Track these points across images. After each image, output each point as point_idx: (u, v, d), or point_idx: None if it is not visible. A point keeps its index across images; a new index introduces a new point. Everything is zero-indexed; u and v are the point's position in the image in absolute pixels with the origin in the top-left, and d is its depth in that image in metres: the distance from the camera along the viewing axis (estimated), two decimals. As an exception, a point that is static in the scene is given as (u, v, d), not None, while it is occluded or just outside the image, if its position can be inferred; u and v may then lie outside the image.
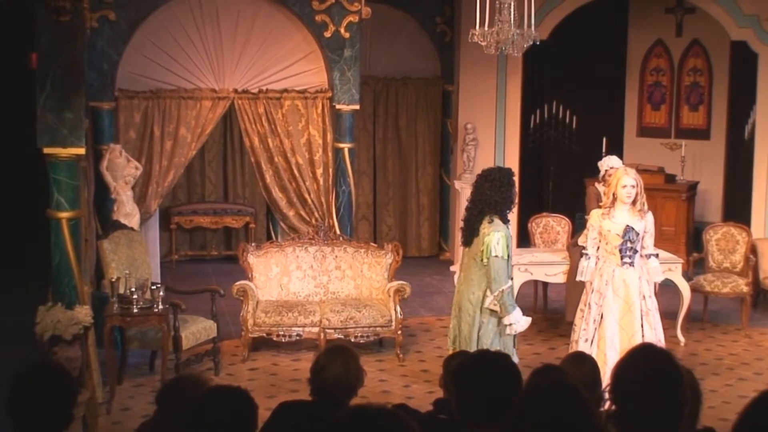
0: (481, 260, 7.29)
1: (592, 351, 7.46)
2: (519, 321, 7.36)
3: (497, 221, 7.27)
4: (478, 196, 7.34)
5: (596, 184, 9.65)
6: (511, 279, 7.46)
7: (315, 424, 4.18)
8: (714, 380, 8.57)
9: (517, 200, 7.50)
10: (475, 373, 3.57)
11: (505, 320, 7.30)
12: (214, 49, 10.46)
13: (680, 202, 12.75)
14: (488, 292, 7.30)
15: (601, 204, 8.04)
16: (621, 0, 13.96)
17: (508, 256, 7.27)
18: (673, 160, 13.32)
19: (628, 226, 7.56)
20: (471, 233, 7.39)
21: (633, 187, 7.54)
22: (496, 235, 7.19)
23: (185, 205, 13.32)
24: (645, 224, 7.62)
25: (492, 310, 7.32)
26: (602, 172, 9.37)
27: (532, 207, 12.80)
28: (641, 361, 3.26)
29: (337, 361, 4.36)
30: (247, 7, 10.37)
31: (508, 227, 7.38)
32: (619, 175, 7.65)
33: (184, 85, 10.44)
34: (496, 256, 7.19)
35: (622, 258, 7.61)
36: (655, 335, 7.63)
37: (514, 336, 7.52)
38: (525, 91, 12.92)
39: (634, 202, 7.58)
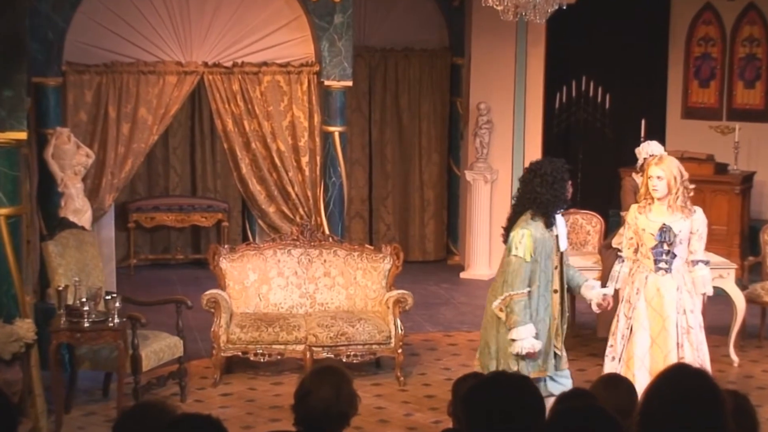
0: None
1: (620, 371, 7.47)
2: (524, 339, 7.29)
3: (533, 220, 7.29)
4: (526, 194, 7.37)
5: (633, 175, 9.65)
6: (556, 292, 7.42)
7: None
8: (773, 407, 8.57)
9: (569, 198, 7.54)
10: (489, 399, 3.56)
11: (510, 333, 7.31)
12: (179, 14, 10.44)
13: (733, 196, 12.75)
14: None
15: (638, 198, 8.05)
16: (663, -44, 13.97)
17: (534, 259, 7.26)
18: (725, 146, 13.31)
19: (664, 224, 7.56)
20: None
21: (659, 178, 7.54)
22: (521, 232, 7.22)
23: (146, 200, 13.31)
24: (691, 224, 7.61)
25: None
26: (640, 161, 9.38)
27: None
28: (672, 383, 3.26)
29: (326, 385, 4.35)
30: (219, -35, 10.39)
31: (554, 230, 7.37)
32: (648, 166, 7.71)
33: (145, 57, 10.42)
34: (516, 256, 7.22)
35: (656, 263, 7.62)
36: (698, 357, 7.60)
37: (536, 362, 7.45)
38: (549, 65, 12.90)
39: (667, 197, 7.56)
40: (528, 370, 7.30)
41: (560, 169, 7.40)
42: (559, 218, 7.51)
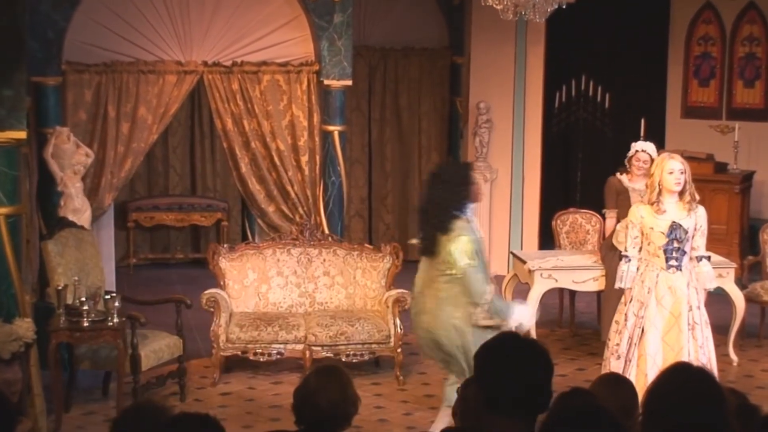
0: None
1: (629, 371, 7.48)
2: (524, 315, 7.58)
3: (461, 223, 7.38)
4: (434, 199, 7.47)
5: (618, 175, 9.60)
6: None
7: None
8: (773, 407, 8.56)
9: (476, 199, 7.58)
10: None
11: (510, 322, 7.44)
12: (179, 13, 10.44)
13: (733, 196, 12.75)
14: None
15: (642, 199, 8.05)
16: (662, -44, 13.96)
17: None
18: (725, 145, 13.31)
19: (674, 222, 7.57)
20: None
21: (682, 172, 7.56)
22: (461, 239, 7.31)
23: (145, 200, 13.31)
24: (696, 220, 7.63)
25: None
26: (632, 153, 9.39)
27: (557, 202, 12.78)
28: (674, 382, 3.25)
29: (330, 384, 4.34)
30: (219, -36, 10.38)
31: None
32: (663, 162, 7.66)
33: (144, 56, 10.42)
34: (468, 265, 7.31)
35: (667, 260, 7.62)
36: (702, 354, 7.62)
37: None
38: (548, 65, 12.90)
39: (683, 192, 7.58)
40: None
41: (464, 172, 7.53)
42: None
